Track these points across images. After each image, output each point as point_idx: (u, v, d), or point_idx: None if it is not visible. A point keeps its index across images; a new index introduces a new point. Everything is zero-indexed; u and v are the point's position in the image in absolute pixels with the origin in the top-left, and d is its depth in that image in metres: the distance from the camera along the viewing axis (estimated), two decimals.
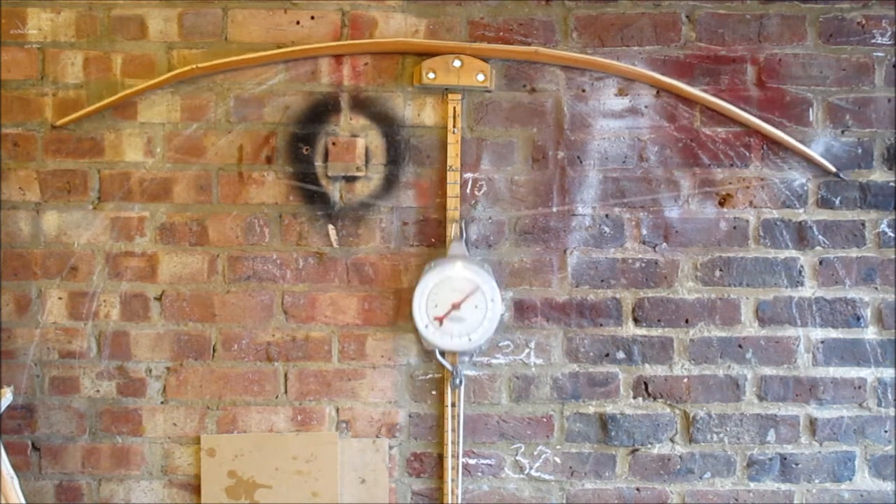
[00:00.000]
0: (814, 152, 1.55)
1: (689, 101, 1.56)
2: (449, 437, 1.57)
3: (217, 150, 1.58)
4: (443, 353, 1.54)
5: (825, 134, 1.57)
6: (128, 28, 1.56)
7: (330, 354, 1.60)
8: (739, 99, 1.57)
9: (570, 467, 1.62)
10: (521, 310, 1.60)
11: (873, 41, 1.57)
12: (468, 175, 1.58)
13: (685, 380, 1.61)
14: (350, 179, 1.59)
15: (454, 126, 1.55)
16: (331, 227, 1.59)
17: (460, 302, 1.48)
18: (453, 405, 1.57)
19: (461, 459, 1.59)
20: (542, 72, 1.57)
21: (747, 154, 1.58)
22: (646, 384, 1.61)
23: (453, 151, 1.55)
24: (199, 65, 1.52)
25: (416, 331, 1.53)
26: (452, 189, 1.55)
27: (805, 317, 1.59)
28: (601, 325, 1.60)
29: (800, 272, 1.59)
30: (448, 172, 1.55)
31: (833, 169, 1.56)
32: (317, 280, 1.59)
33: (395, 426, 1.61)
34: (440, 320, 1.48)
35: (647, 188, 1.59)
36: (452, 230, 1.54)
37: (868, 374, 1.60)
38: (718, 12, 1.57)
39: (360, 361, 1.61)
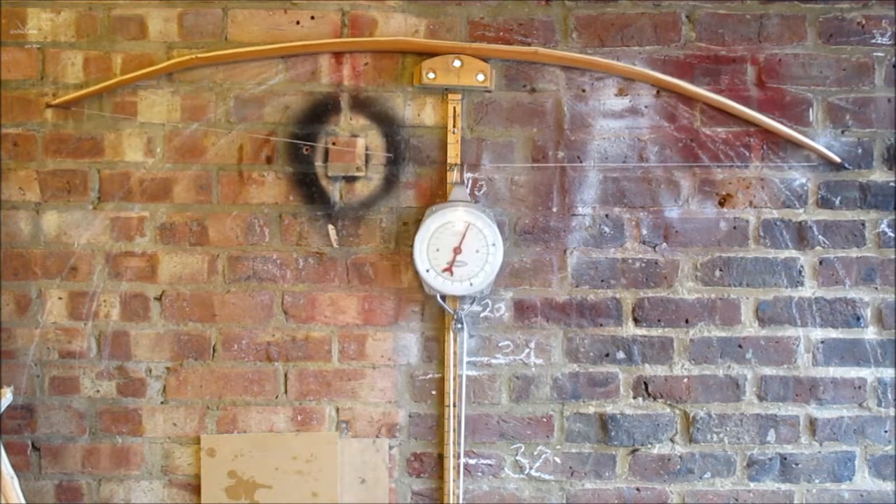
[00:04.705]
0: (816, 145, 1.55)
1: (689, 100, 1.56)
2: (450, 437, 1.57)
3: (217, 150, 1.58)
4: (444, 298, 1.54)
5: (825, 134, 1.57)
6: (128, 28, 1.56)
7: (330, 354, 1.60)
8: (739, 99, 1.56)
9: (570, 467, 1.62)
10: (521, 310, 1.60)
11: (873, 41, 1.57)
12: (468, 175, 1.58)
13: (685, 380, 1.61)
14: (350, 179, 1.59)
15: (454, 126, 1.55)
16: (331, 227, 1.59)
17: (461, 246, 1.48)
18: (454, 405, 1.57)
19: (461, 459, 1.59)
20: (542, 72, 1.57)
21: (747, 154, 1.58)
22: (646, 384, 1.61)
23: (453, 151, 1.55)
24: (199, 55, 1.52)
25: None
26: None
27: (805, 317, 1.59)
28: (601, 325, 1.60)
29: (800, 272, 1.59)
30: (448, 172, 1.55)
31: (837, 159, 1.55)
32: (317, 280, 1.59)
33: (395, 426, 1.61)
34: (449, 270, 1.47)
35: (647, 188, 1.59)
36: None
37: (868, 374, 1.60)
38: (718, 12, 1.57)
39: (360, 361, 1.61)
